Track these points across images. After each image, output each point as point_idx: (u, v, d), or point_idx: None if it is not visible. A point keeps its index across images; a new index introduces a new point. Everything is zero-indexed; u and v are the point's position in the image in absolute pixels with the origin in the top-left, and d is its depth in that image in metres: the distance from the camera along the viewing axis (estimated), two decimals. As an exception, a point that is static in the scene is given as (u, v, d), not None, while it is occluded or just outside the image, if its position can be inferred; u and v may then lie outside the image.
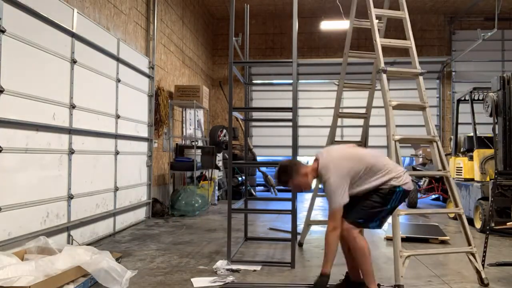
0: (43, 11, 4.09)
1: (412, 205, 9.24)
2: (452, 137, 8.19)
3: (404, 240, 5.12)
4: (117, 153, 5.83)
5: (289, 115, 4.31)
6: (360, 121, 5.38)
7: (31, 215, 4.00)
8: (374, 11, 4.37)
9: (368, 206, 3.15)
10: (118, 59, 5.90)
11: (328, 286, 3.20)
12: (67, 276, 3.22)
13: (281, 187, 13.02)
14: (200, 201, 7.78)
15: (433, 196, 10.53)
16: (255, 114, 11.61)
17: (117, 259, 3.95)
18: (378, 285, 3.27)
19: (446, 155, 5.00)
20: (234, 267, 4.01)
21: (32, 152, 4.00)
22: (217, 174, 9.84)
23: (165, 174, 8.13)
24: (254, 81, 12.87)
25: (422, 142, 5.01)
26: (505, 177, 5.77)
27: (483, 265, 3.74)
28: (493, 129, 5.85)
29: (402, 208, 3.54)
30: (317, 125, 11.90)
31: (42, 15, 4.10)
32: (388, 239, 5.50)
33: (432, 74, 12.23)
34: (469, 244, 3.68)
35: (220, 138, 9.39)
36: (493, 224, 5.20)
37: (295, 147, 4.34)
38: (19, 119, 3.80)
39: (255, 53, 12.35)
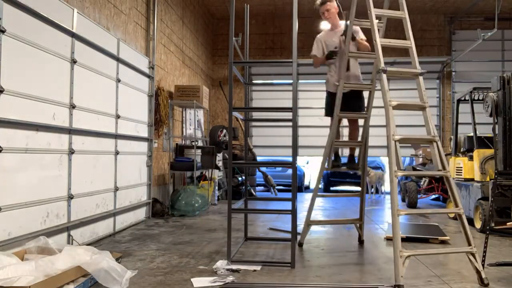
0: (43, 11, 4.09)
1: (412, 205, 9.26)
2: (452, 137, 8.19)
3: (404, 240, 5.12)
4: (117, 153, 5.83)
5: (289, 115, 4.30)
6: (360, 121, 5.38)
7: (31, 215, 4.00)
8: (374, 11, 4.36)
9: None
10: (118, 59, 5.90)
11: None
12: (67, 276, 3.22)
13: (281, 187, 13.07)
14: (200, 201, 7.78)
15: (433, 196, 10.55)
16: (255, 114, 11.61)
17: (117, 259, 3.95)
18: None
19: (446, 155, 5.00)
20: (234, 267, 4.01)
21: (32, 152, 4.01)
22: (217, 174, 9.84)
23: (165, 174, 8.13)
24: (254, 81, 12.87)
25: (422, 142, 5.00)
26: (505, 177, 5.77)
27: (483, 265, 3.73)
28: (493, 129, 5.85)
29: (402, 208, 3.54)
30: (317, 125, 11.91)
31: (42, 15, 4.10)
32: (388, 239, 5.50)
33: (432, 74, 12.23)
34: (469, 244, 3.68)
35: (220, 138, 9.39)
36: (493, 224, 5.20)
37: (295, 147, 4.34)
38: (19, 119, 3.80)
39: (255, 53, 12.35)
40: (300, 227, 5.31)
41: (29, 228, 3.94)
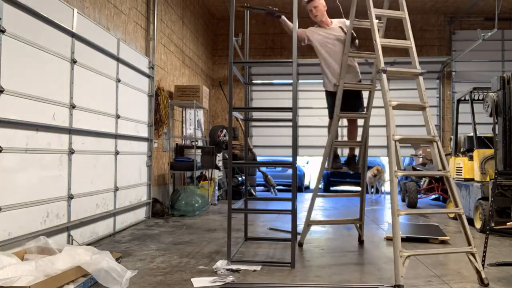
0: (43, 11, 4.09)
1: (412, 205, 9.26)
2: (452, 137, 8.19)
3: (404, 240, 5.12)
4: (117, 153, 5.83)
5: (289, 115, 4.30)
6: (360, 121, 5.38)
7: (31, 215, 4.00)
8: (374, 11, 4.36)
9: None
10: (118, 59, 5.90)
11: None
12: (67, 276, 3.22)
13: (281, 187, 13.08)
14: (200, 201, 7.78)
15: (433, 196, 10.55)
16: (255, 114, 11.60)
17: (117, 259, 3.95)
18: None
19: (446, 155, 5.00)
20: (234, 267, 4.01)
21: (32, 152, 4.01)
22: (217, 174, 9.84)
23: (165, 174, 8.13)
24: (254, 81, 12.87)
25: (422, 142, 5.01)
26: (505, 177, 5.77)
27: (483, 265, 3.73)
28: (493, 129, 5.85)
29: (402, 208, 3.54)
30: (317, 125, 11.91)
31: (42, 15, 4.10)
32: (388, 239, 5.50)
33: (432, 74, 12.22)
34: (469, 244, 3.68)
35: (220, 138, 9.39)
36: (493, 224, 5.20)
37: (295, 147, 4.34)
38: (19, 119, 3.80)
39: (255, 53, 12.35)
40: (300, 227, 5.31)
41: (29, 228, 3.94)
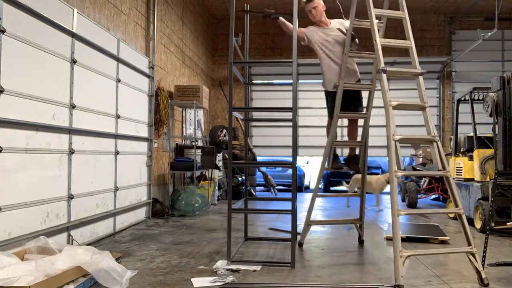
0: (43, 11, 4.09)
1: (412, 205, 9.25)
2: (452, 137, 8.19)
3: (404, 240, 5.12)
4: (117, 153, 5.83)
5: (289, 115, 4.30)
6: (360, 121, 5.38)
7: (31, 215, 4.00)
8: (374, 11, 4.36)
9: None
10: (118, 59, 5.90)
11: None
12: (67, 276, 3.22)
13: (281, 187, 13.08)
14: (200, 201, 7.78)
15: (433, 196, 10.54)
16: (255, 114, 11.60)
17: (117, 259, 3.95)
18: None
19: (446, 155, 5.00)
20: (234, 267, 4.01)
21: (32, 152, 4.01)
22: (217, 174, 9.84)
23: (165, 174, 8.13)
24: (254, 81, 12.86)
25: (422, 142, 5.00)
26: (505, 177, 5.77)
27: (483, 265, 3.74)
28: (493, 129, 5.85)
29: (402, 208, 3.54)
30: (317, 125, 11.91)
31: (42, 15, 4.10)
32: (388, 239, 5.50)
33: (432, 74, 12.22)
34: (469, 244, 3.68)
35: (220, 138, 9.39)
36: (493, 224, 5.20)
37: (295, 147, 4.34)
38: (19, 119, 3.80)
39: (255, 53, 12.34)
40: (300, 227, 5.31)
41: (29, 228, 3.94)
